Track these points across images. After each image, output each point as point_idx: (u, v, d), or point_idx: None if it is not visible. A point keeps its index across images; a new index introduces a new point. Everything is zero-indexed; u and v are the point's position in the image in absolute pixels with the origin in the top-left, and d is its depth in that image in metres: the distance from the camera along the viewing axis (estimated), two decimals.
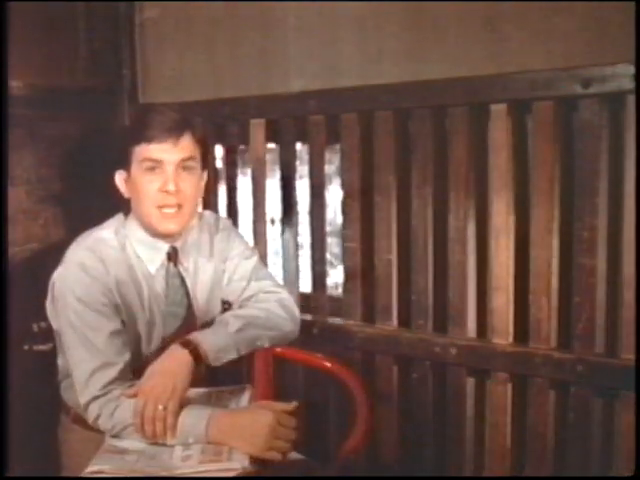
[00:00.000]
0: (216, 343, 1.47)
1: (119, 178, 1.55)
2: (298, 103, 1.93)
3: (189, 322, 1.59)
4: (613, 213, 1.58)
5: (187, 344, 1.44)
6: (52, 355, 1.69)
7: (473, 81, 1.69)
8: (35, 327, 1.83)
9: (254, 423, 1.36)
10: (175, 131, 1.46)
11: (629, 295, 1.56)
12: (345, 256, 1.95)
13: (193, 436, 1.38)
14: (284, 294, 1.66)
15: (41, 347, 1.85)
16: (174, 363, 1.42)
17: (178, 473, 1.31)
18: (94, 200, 1.86)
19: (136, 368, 1.48)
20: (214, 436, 1.37)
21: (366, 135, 1.86)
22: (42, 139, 1.94)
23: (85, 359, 1.46)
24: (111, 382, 1.45)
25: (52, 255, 1.60)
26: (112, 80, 2.14)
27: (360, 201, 1.90)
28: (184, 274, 1.61)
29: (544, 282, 1.66)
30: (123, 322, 1.50)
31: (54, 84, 1.98)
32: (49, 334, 1.67)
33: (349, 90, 1.87)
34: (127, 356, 1.48)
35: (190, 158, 1.49)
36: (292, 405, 1.41)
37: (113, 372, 1.45)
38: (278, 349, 1.57)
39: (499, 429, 1.76)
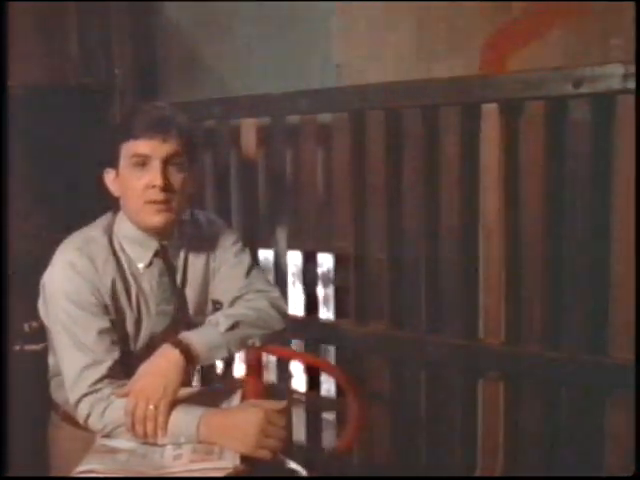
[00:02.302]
0: (207, 342, 1.46)
1: (107, 177, 1.55)
2: (290, 102, 1.93)
3: (179, 321, 1.58)
4: (603, 212, 1.59)
5: (178, 344, 1.43)
6: (44, 355, 1.69)
7: (465, 81, 1.69)
8: (26, 327, 1.82)
9: (245, 422, 1.36)
10: (163, 127, 1.46)
11: (619, 294, 1.56)
12: (337, 256, 1.95)
13: (184, 435, 1.38)
14: (275, 293, 1.65)
15: (33, 347, 1.84)
16: (165, 363, 1.42)
17: (169, 472, 1.30)
18: (87, 199, 1.86)
19: (125, 367, 1.48)
20: (205, 435, 1.37)
21: (358, 134, 1.86)
22: (35, 138, 1.93)
23: (75, 357, 1.46)
24: (100, 380, 1.44)
25: (43, 255, 1.59)
26: (104, 79, 2.13)
27: (352, 200, 1.90)
28: (174, 272, 1.60)
29: (536, 281, 1.66)
30: (112, 321, 1.50)
31: (47, 83, 1.98)
32: (41, 334, 1.66)
33: (341, 90, 1.87)
34: (116, 354, 1.48)
35: (178, 154, 1.49)
36: (282, 403, 1.41)
37: (102, 370, 1.45)
38: (270, 348, 1.56)
39: (491, 428, 1.76)
